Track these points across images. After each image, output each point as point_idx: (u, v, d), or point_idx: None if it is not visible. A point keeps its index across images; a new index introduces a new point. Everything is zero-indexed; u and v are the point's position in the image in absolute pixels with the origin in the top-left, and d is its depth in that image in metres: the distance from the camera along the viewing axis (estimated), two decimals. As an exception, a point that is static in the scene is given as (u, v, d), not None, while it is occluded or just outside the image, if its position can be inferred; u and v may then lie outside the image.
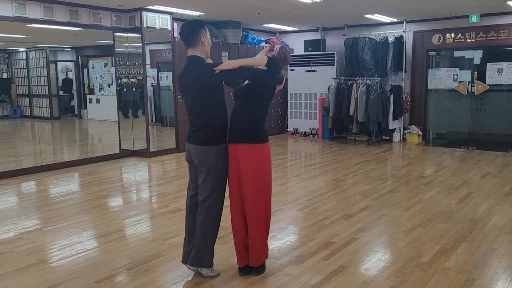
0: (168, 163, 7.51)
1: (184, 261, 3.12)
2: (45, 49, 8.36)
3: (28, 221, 4.40)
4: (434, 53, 9.32)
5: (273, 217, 4.15)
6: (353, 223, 4.22)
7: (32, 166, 6.61)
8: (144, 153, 7.90)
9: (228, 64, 2.84)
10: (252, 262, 3.06)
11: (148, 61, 8.68)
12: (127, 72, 8.19)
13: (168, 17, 7.88)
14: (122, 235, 3.98)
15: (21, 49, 8.38)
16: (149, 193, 5.71)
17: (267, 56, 2.95)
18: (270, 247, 3.39)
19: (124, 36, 7.76)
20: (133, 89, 8.32)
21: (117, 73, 8.01)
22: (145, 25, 7.52)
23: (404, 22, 9.16)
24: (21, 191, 5.78)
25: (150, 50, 8.77)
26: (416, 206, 4.79)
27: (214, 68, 2.81)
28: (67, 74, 9.40)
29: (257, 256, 3.05)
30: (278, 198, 5.12)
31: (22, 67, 8.42)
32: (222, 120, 2.96)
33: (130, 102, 8.48)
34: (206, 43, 2.91)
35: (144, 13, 7.48)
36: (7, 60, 8.42)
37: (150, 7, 7.39)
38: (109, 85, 8.78)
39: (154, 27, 7.70)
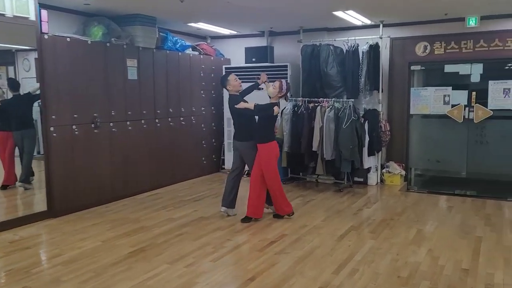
0: (29, 249, 4.32)
1: (224, 205, 5.19)
2: None
3: None
4: (418, 67, 7.08)
5: None
6: None
7: None
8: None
9: (241, 105, 5.08)
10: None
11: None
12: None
13: (30, 0, 4.80)
14: None
15: None
16: None
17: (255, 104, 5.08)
18: None
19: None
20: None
21: None
22: (-16, 10, 4.39)
23: (381, 25, 6.82)
24: None
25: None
26: None
27: (236, 106, 5.08)
28: None
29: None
30: None
31: None
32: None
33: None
34: (231, 87, 5.26)
35: (-19, -11, 4.36)
36: None
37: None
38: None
39: (3, 15, 4.58)
